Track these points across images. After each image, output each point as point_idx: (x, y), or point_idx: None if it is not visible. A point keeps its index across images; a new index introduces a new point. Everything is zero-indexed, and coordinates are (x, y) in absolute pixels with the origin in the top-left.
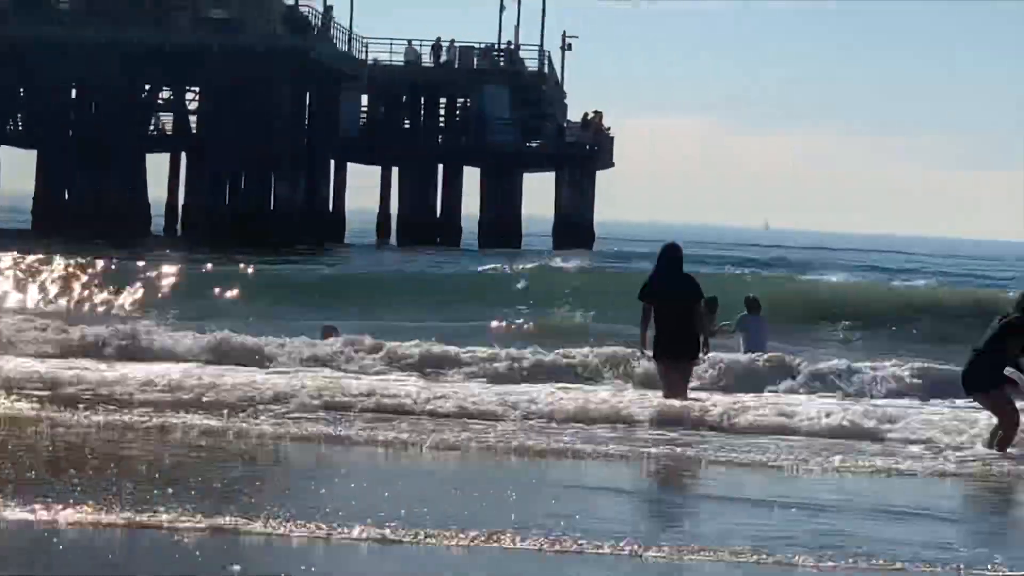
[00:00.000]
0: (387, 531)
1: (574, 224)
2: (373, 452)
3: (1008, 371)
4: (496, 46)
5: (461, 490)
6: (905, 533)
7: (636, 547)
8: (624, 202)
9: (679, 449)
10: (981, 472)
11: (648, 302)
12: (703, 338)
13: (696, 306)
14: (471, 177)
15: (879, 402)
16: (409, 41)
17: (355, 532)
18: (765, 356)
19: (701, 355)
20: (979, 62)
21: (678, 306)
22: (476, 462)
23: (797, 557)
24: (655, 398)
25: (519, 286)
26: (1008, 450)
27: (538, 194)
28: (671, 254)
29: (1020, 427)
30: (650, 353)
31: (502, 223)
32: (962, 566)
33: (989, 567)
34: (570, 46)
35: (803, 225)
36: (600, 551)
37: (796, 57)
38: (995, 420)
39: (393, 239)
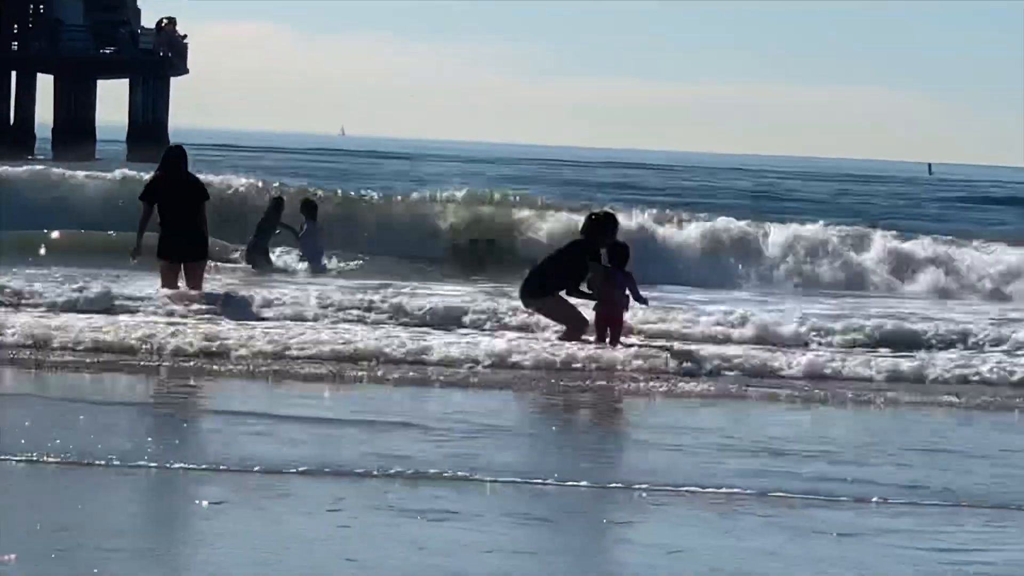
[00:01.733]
0: None
1: (149, 131)
2: None
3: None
4: None
5: None
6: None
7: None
8: (201, 109)
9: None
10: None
11: (149, 203)
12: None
13: (202, 207)
14: (45, 84)
15: None
16: None
17: None
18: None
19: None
20: None
21: (183, 207)
22: None
23: None
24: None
25: None
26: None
27: (112, 101)
28: (174, 156)
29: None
30: (143, 255)
31: (76, 130)
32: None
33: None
34: None
35: (380, 131)
36: None
37: None
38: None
39: None
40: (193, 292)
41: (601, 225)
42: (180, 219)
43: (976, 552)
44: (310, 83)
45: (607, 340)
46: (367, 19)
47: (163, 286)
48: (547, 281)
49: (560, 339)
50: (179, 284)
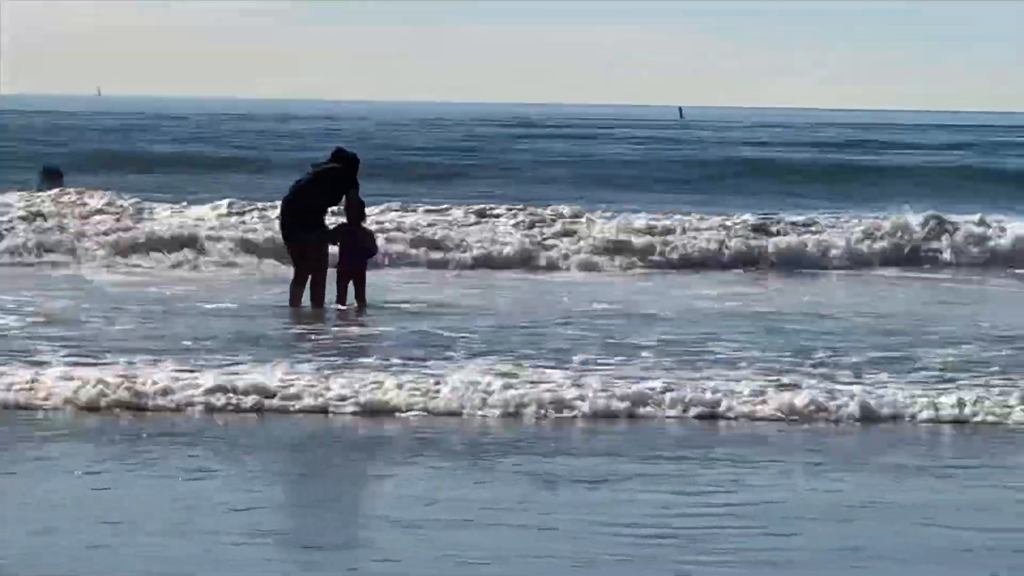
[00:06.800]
0: None
1: None
2: None
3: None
4: None
5: None
6: None
7: None
8: None
9: None
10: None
11: None
12: None
13: None
14: None
15: None
16: None
17: None
18: None
19: None
20: None
21: None
22: None
23: None
24: None
25: None
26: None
27: None
28: None
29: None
30: None
31: None
32: None
33: None
34: None
35: (137, 91)
36: None
37: None
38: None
39: None
40: None
41: (356, 162)
42: None
43: (724, 494)
44: (62, 44)
45: (349, 301)
46: None
47: None
48: (310, 210)
49: (297, 297)
50: None
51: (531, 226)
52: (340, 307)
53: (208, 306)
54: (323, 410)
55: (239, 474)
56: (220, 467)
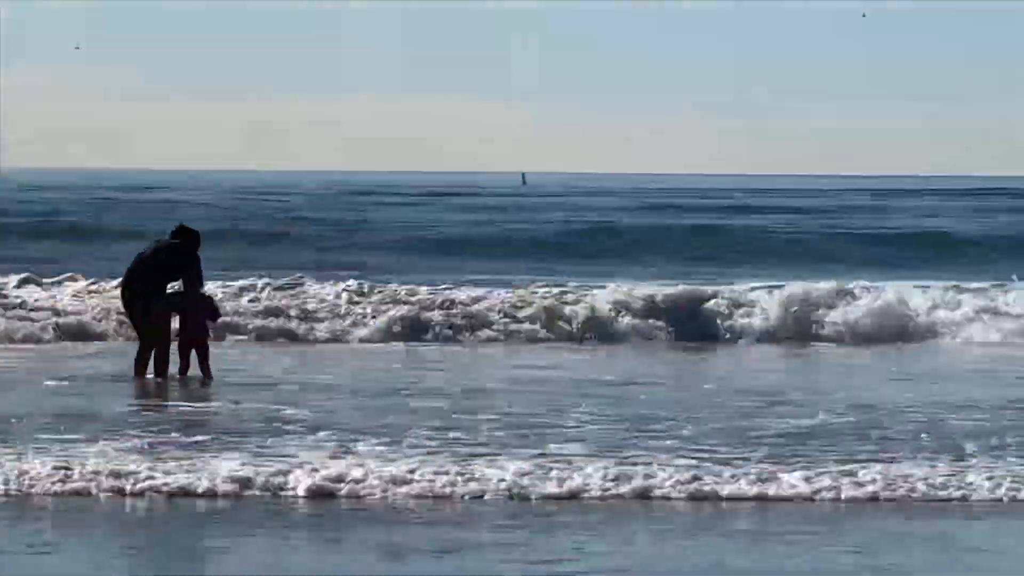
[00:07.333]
0: None
1: None
2: None
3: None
4: None
5: None
6: None
7: None
8: None
9: None
10: None
11: None
12: None
13: None
14: None
15: None
16: None
17: None
18: None
19: None
20: None
21: None
22: None
23: None
24: None
25: None
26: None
27: None
28: None
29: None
30: None
31: None
32: None
33: None
34: None
35: None
36: None
37: None
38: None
39: None
40: None
41: (198, 237)
42: None
43: (568, 562)
44: None
45: (200, 369)
46: None
47: None
48: (152, 281)
49: (142, 367)
50: None
51: (379, 299)
52: (182, 378)
53: (49, 382)
54: (156, 490)
55: (79, 549)
56: (62, 541)
